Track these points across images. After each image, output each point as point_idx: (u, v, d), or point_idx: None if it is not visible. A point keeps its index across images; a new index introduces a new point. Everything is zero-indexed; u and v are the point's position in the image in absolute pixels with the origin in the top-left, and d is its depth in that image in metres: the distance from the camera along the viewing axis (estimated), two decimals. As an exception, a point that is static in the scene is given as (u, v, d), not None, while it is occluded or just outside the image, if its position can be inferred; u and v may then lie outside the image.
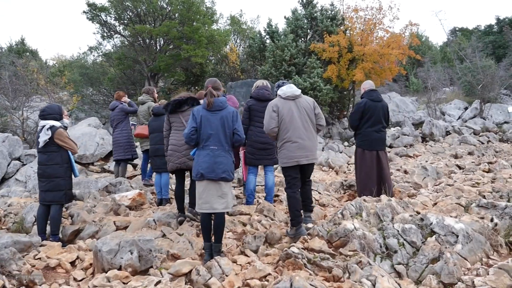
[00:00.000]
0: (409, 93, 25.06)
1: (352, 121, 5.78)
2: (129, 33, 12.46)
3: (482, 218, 4.25)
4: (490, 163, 7.69)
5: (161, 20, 12.38)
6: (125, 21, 12.87)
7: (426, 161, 8.71)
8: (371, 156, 5.60)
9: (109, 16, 12.71)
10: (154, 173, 6.56)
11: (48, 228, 5.08)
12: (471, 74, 18.30)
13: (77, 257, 4.33)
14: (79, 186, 7.44)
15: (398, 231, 3.84)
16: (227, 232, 4.49)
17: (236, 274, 3.37)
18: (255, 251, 3.98)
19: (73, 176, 5.26)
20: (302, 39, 13.49)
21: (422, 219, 3.95)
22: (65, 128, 5.29)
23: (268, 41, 13.26)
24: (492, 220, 4.14)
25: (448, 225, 3.77)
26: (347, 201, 5.86)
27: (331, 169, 9.41)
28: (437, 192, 5.71)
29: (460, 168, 7.71)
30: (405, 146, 12.13)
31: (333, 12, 13.34)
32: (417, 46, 26.51)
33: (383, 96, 17.39)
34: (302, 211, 4.28)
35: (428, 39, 30.90)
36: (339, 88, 13.29)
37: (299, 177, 4.17)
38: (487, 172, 7.00)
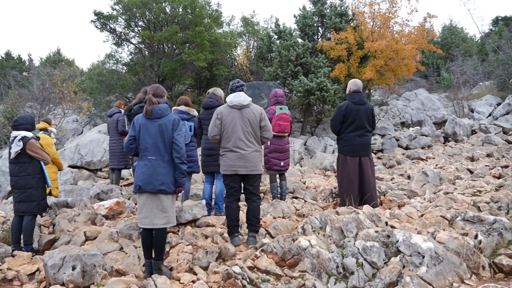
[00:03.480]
0: (440, 90, 23.69)
1: (333, 125, 5.39)
2: (136, 40, 12.61)
3: (466, 234, 3.76)
4: (506, 166, 6.94)
5: (166, 25, 12.39)
6: (134, 28, 13.05)
7: (437, 165, 8.04)
8: (353, 163, 5.20)
9: (117, 24, 12.95)
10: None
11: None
12: (503, 66, 16.92)
13: (37, 269, 4.28)
14: (72, 194, 7.51)
15: (358, 249, 3.45)
16: (187, 245, 4.28)
17: (170, 295, 3.15)
18: (206, 268, 3.73)
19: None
20: (311, 37, 13.04)
21: (388, 236, 3.53)
22: (37, 138, 5.30)
23: (278, 41, 12.92)
24: (476, 236, 3.64)
25: (414, 243, 3.33)
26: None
27: (334, 173, 8.96)
28: (430, 202, 5.18)
29: (471, 172, 7.03)
30: (422, 148, 11.38)
31: (342, 8, 12.78)
32: (450, 39, 25.10)
33: (408, 94, 16.55)
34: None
35: (464, 30, 28.93)
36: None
37: (237, 188, 4.11)
38: (498, 177, 6.31)
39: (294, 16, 13.51)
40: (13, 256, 4.85)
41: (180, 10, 12.20)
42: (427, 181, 6.18)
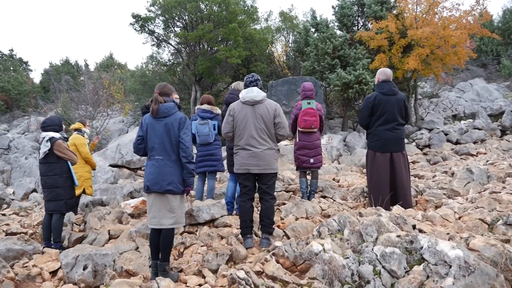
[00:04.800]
0: (500, 79, 21.66)
1: (360, 118, 4.99)
2: (174, 41, 12.82)
3: (507, 241, 3.27)
4: None
5: (202, 24, 12.44)
6: (172, 29, 13.29)
7: (487, 161, 7.24)
8: (384, 160, 4.77)
9: (155, 25, 13.26)
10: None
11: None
12: None
13: (60, 267, 4.39)
14: (107, 192, 7.77)
15: (376, 255, 3.11)
16: (201, 246, 4.16)
17: (172, 298, 3.03)
18: (215, 271, 3.58)
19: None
20: (350, 28, 12.41)
21: (411, 242, 3.14)
22: (65, 139, 5.48)
23: (315, 34, 12.46)
24: (519, 244, 3.15)
25: (440, 251, 2.93)
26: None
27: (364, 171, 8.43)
28: (472, 202, 4.63)
29: (527, 169, 6.22)
30: (474, 142, 10.37)
31: (384, -5, 11.99)
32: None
33: (462, 85, 15.28)
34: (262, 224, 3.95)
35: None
36: (392, 78, 11.91)
37: (251, 187, 3.92)
38: (559, 175, 5.52)
39: (333, 7, 12.97)
40: (42, 253, 5.05)
41: (214, 8, 12.22)
42: (471, 179, 5.56)
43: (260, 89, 4.02)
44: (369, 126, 4.93)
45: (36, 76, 34.58)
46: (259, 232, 4.15)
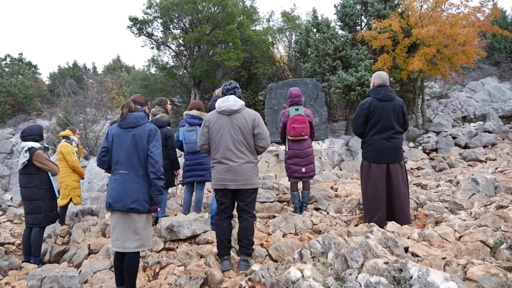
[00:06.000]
0: (514, 78, 20.87)
1: (354, 127, 4.63)
2: (173, 43, 12.60)
3: (511, 268, 2.90)
4: None
5: (200, 26, 12.19)
6: (171, 32, 13.06)
7: (496, 168, 6.79)
8: (380, 171, 4.40)
9: (154, 28, 13.06)
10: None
11: None
12: None
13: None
14: (97, 201, 7.56)
15: (360, 285, 2.77)
16: (178, 266, 3.88)
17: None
18: (187, 297, 3.29)
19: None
20: (352, 28, 12.00)
21: (400, 270, 2.80)
22: (46, 149, 5.25)
23: (316, 35, 12.09)
24: (526, 273, 2.78)
25: (432, 283, 2.58)
26: (356, 225, 4.73)
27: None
28: (476, 218, 4.24)
29: (539, 177, 5.79)
30: (484, 146, 9.88)
31: (387, -8, 11.52)
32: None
33: (473, 84, 14.64)
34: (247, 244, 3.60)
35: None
36: (397, 79, 11.50)
37: (228, 204, 3.59)
38: None
39: (335, 6, 12.58)
40: (21, 268, 4.84)
41: (212, 9, 11.93)
42: (477, 190, 5.15)
43: (239, 97, 3.71)
44: (364, 135, 4.58)
45: (48, 79, 34.84)
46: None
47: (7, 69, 27.33)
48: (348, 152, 10.76)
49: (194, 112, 5.49)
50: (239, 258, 3.64)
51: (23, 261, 5.04)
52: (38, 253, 5.02)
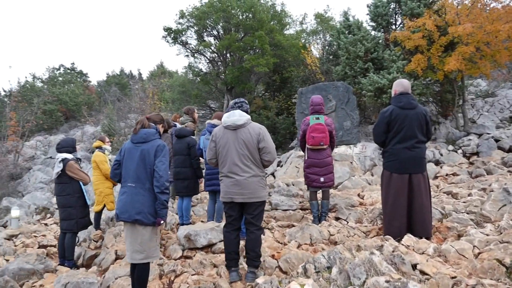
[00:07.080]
0: None
1: (375, 135, 4.53)
2: (208, 50, 12.94)
3: (525, 292, 2.74)
4: None
5: (231, 32, 12.41)
6: (205, 39, 13.43)
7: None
8: (401, 182, 4.27)
9: (188, 37, 13.49)
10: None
11: None
12: None
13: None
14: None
15: (359, 304, 2.75)
16: (192, 275, 4.03)
17: None
18: (195, 307, 3.42)
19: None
20: (385, 28, 11.61)
21: (402, 290, 2.74)
22: (78, 160, 5.65)
23: (347, 36, 11.83)
24: (541, 298, 2.62)
25: (431, 306, 2.51)
26: (374, 236, 4.63)
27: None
28: (500, 233, 4.00)
29: None
30: (531, 149, 9.15)
31: (421, -10, 11.03)
32: None
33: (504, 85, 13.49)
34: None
35: None
36: (433, 80, 10.97)
37: (236, 216, 3.69)
38: None
39: (367, 6, 12.27)
40: (56, 271, 5.23)
41: (241, 16, 12.11)
42: (508, 201, 4.84)
43: (246, 111, 3.80)
44: (385, 144, 4.47)
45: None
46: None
47: (60, 79, 29.42)
48: (381, 156, 10.42)
49: (215, 121, 5.65)
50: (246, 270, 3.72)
51: (58, 264, 5.46)
52: (71, 256, 5.41)
